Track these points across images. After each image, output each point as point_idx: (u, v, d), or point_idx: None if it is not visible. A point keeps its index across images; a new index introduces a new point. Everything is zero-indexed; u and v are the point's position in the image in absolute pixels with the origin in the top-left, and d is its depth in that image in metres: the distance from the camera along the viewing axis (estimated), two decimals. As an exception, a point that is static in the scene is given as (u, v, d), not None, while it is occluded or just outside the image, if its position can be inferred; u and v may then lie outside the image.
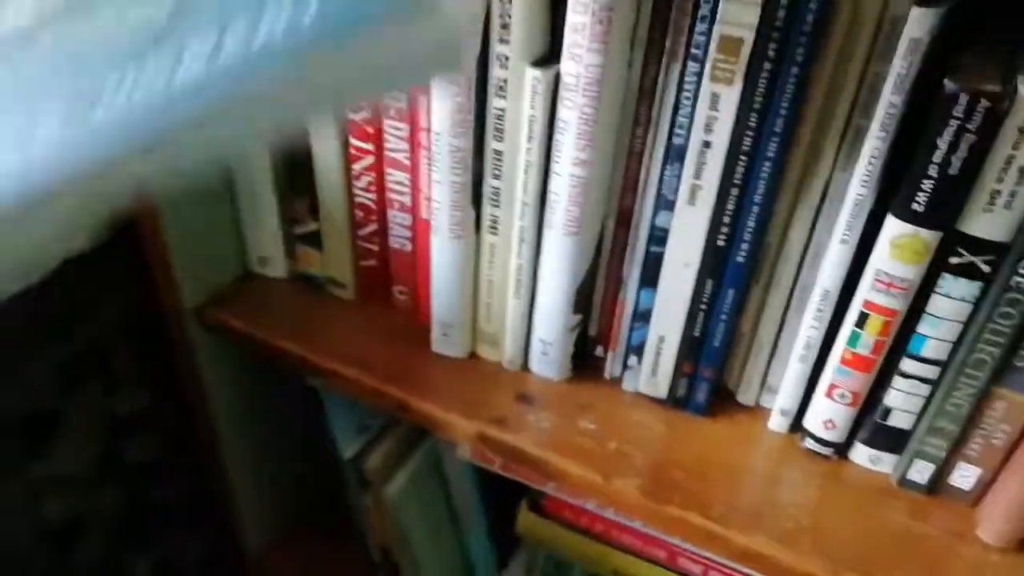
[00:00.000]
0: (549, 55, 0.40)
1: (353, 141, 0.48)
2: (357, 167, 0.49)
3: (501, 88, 0.41)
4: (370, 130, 0.47)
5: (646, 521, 0.46)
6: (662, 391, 0.49)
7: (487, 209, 0.45)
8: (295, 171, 0.52)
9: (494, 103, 0.41)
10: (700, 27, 0.37)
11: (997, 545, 0.42)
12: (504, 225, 0.46)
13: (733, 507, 0.44)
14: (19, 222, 0.22)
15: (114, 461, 0.57)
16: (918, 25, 0.33)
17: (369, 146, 0.48)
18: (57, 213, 0.22)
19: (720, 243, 0.42)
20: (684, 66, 0.38)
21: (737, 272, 0.43)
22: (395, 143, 0.47)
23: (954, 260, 0.37)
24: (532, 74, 0.39)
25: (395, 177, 0.48)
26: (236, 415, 0.62)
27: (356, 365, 0.51)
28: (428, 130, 0.43)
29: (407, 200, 0.49)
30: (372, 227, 0.51)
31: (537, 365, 0.51)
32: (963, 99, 0.33)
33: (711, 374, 0.47)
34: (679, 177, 0.41)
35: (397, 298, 0.54)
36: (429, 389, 0.50)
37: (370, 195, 0.50)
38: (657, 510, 0.44)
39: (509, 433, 0.47)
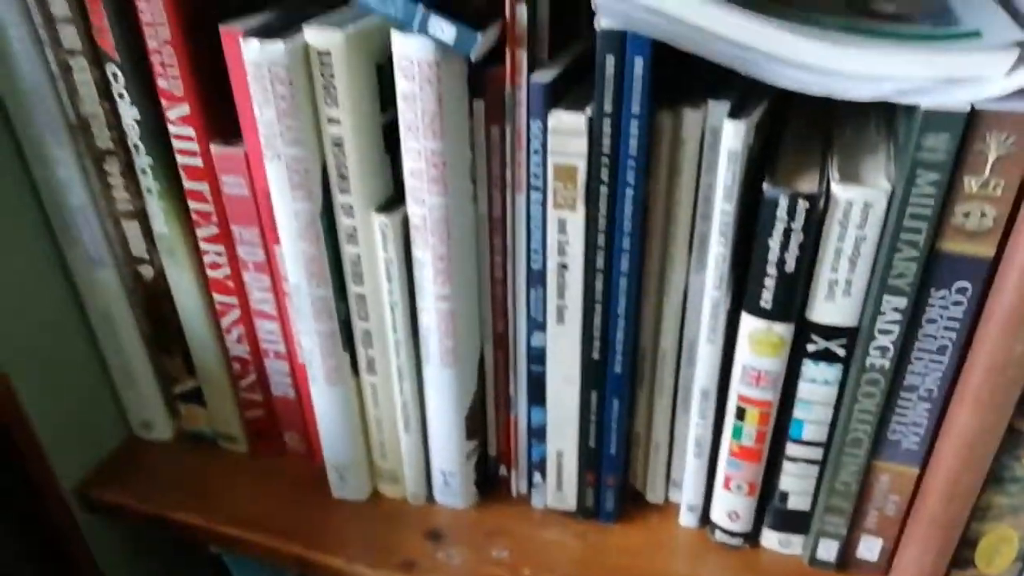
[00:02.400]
0: (396, 196, 0.40)
1: (217, 297, 0.47)
2: (226, 321, 0.48)
3: (351, 236, 0.40)
4: (231, 284, 0.46)
5: (569, 647, 0.45)
6: (570, 504, 0.48)
7: (362, 351, 0.45)
8: (163, 330, 0.50)
9: (347, 250, 0.41)
10: (535, 159, 0.37)
11: (912, 614, 0.42)
12: (381, 364, 0.45)
13: (653, 619, 0.43)
14: None
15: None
16: (733, 137, 0.35)
17: (233, 300, 0.46)
18: None
19: (595, 357, 0.42)
20: (528, 196, 0.39)
21: (617, 382, 0.43)
22: (260, 295, 0.46)
23: (811, 347, 0.38)
24: (379, 220, 0.39)
25: (266, 327, 0.47)
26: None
27: (252, 526, 0.48)
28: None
29: (281, 348, 0.47)
30: (251, 378, 0.50)
31: (442, 496, 0.49)
32: (783, 202, 0.35)
33: (614, 481, 0.47)
34: (544, 299, 0.41)
35: (290, 444, 0.52)
36: (331, 539, 0.47)
37: (243, 347, 0.48)
38: (577, 636, 0.43)
39: (418, 577, 0.45)
